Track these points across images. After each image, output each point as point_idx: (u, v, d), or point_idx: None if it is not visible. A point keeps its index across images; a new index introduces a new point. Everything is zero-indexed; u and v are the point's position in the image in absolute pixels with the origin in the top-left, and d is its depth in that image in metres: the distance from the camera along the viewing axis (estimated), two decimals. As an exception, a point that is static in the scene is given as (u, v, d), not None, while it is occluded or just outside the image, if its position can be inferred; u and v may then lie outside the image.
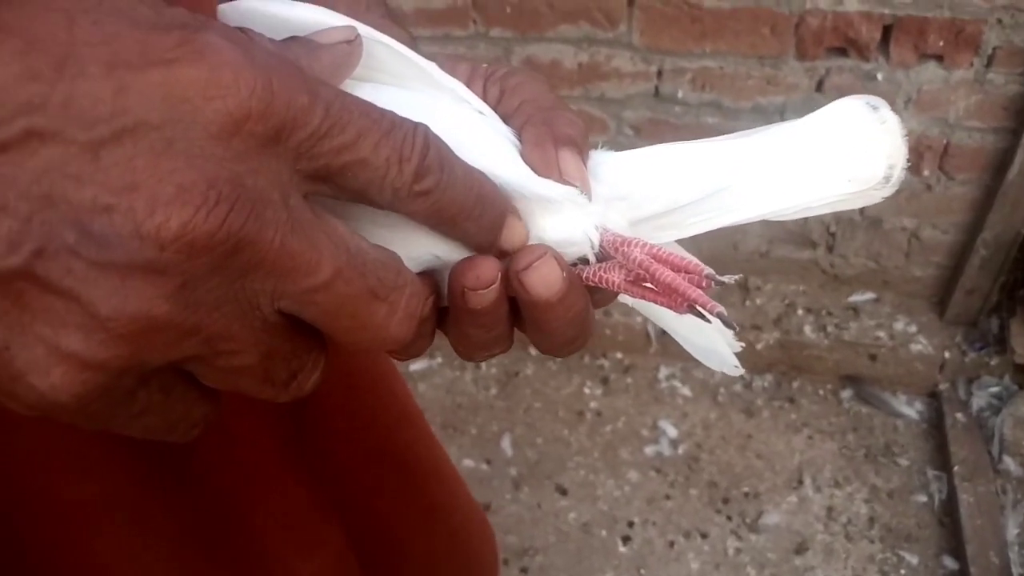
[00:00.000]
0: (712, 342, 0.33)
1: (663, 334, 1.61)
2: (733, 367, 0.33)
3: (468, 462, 1.49)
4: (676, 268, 0.29)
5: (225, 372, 0.22)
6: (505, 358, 1.65)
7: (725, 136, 0.33)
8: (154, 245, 0.19)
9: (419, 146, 0.23)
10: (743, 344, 0.34)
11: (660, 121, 1.44)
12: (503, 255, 0.27)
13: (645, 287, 0.29)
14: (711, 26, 1.32)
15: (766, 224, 1.54)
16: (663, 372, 1.62)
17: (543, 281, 0.27)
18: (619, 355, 1.65)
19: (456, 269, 0.27)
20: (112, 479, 0.38)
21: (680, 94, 1.40)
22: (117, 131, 0.19)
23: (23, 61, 0.18)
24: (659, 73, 1.39)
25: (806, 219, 1.51)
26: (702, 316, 0.28)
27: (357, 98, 0.23)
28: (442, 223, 0.25)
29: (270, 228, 0.20)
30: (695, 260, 0.29)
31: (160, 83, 0.19)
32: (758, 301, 1.61)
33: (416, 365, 1.65)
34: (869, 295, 1.58)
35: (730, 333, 0.33)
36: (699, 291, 0.28)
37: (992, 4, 1.20)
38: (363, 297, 0.22)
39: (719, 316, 0.28)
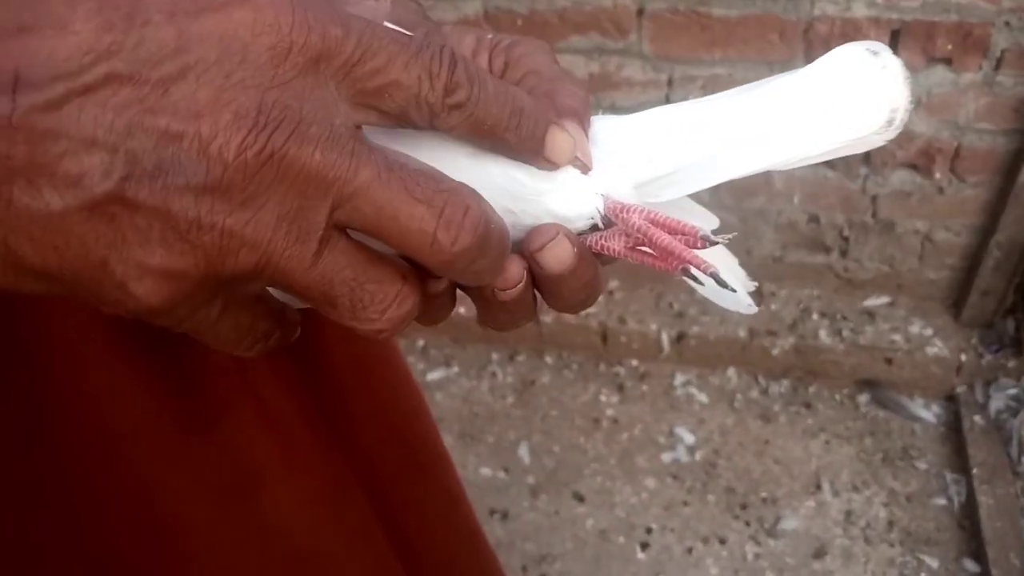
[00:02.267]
0: (728, 295, 0.34)
1: (678, 341, 1.62)
2: (747, 306, 0.34)
3: (486, 470, 1.51)
4: (672, 231, 0.30)
5: (289, 290, 0.25)
6: (522, 367, 1.67)
7: (726, 92, 0.34)
8: (219, 165, 0.22)
9: (446, 62, 0.25)
10: (756, 283, 0.34)
11: (671, 129, 1.46)
12: (554, 166, 0.30)
13: (644, 252, 0.31)
14: (720, 34, 1.34)
15: (780, 229, 1.56)
16: (679, 379, 1.63)
17: (556, 259, 0.30)
18: (634, 362, 1.67)
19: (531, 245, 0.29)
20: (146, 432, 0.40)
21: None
22: (182, 68, 0.22)
23: (99, 16, 0.21)
24: (669, 81, 1.41)
25: (819, 223, 1.52)
26: (695, 279, 0.30)
27: (386, 27, 0.25)
28: (482, 136, 0.27)
29: (311, 143, 0.23)
30: (691, 223, 0.30)
31: (214, 25, 0.22)
32: (773, 307, 1.62)
33: (433, 375, 1.67)
34: (884, 299, 1.59)
35: (743, 274, 0.34)
36: (693, 253, 0.29)
37: (999, 7, 1.22)
38: (402, 198, 0.24)
39: (712, 276, 0.29)
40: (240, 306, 0.26)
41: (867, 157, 1.42)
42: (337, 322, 0.26)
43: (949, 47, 1.28)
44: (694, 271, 0.29)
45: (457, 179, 0.26)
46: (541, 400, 1.62)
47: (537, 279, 0.31)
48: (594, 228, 0.32)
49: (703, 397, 1.61)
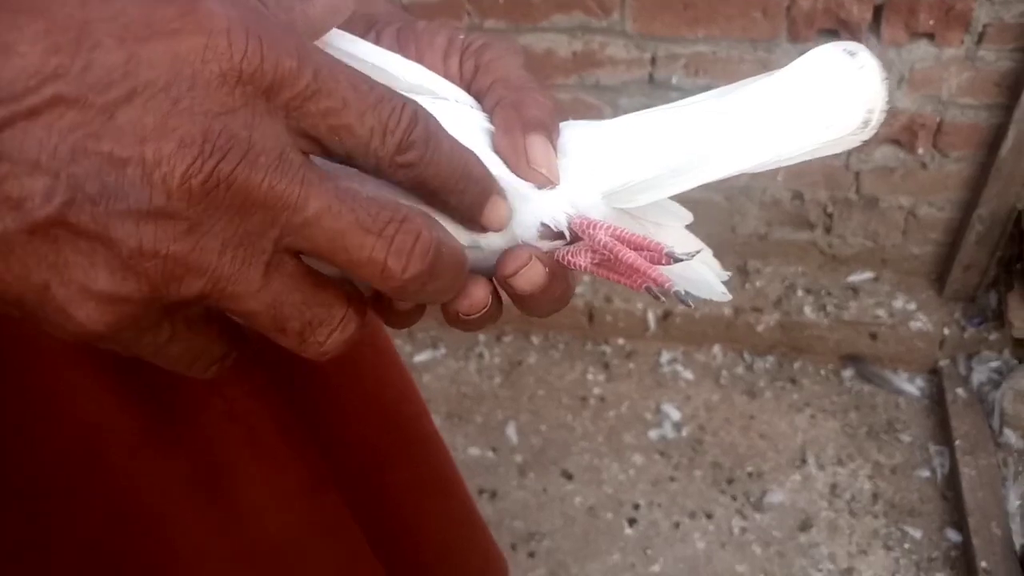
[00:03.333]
0: (700, 274, 0.34)
1: (663, 319, 1.63)
2: (721, 294, 0.34)
3: (474, 450, 1.51)
4: (638, 248, 0.30)
5: (237, 314, 0.25)
6: (508, 347, 1.67)
7: (701, 96, 0.33)
8: (162, 192, 0.22)
9: (405, 120, 0.25)
10: (730, 272, 0.34)
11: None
12: (484, 231, 0.30)
13: (609, 267, 0.31)
14: (703, 11, 1.33)
15: (764, 207, 1.56)
16: (665, 356, 1.64)
17: (529, 282, 0.30)
18: (620, 341, 1.67)
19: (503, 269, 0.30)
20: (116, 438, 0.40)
21: (674, 80, 1.42)
22: (128, 93, 0.21)
23: (47, 39, 0.21)
24: (653, 60, 1.41)
25: (803, 200, 1.52)
26: (657, 296, 0.30)
27: (350, 68, 0.25)
28: (426, 195, 0.27)
29: (260, 172, 0.23)
30: (656, 240, 0.30)
31: (164, 50, 0.22)
32: (758, 283, 1.62)
33: (420, 357, 1.67)
34: (868, 274, 1.60)
35: (716, 264, 0.34)
36: (656, 270, 0.29)
37: (981, -19, 1.22)
38: (353, 230, 0.24)
39: (676, 295, 0.29)
40: (192, 330, 0.26)
41: (850, 133, 1.42)
42: (283, 346, 0.26)
43: (931, 22, 1.28)
44: (655, 290, 0.29)
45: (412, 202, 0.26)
46: (528, 380, 1.63)
47: (509, 295, 0.31)
48: (560, 237, 0.32)
49: (689, 374, 1.61)
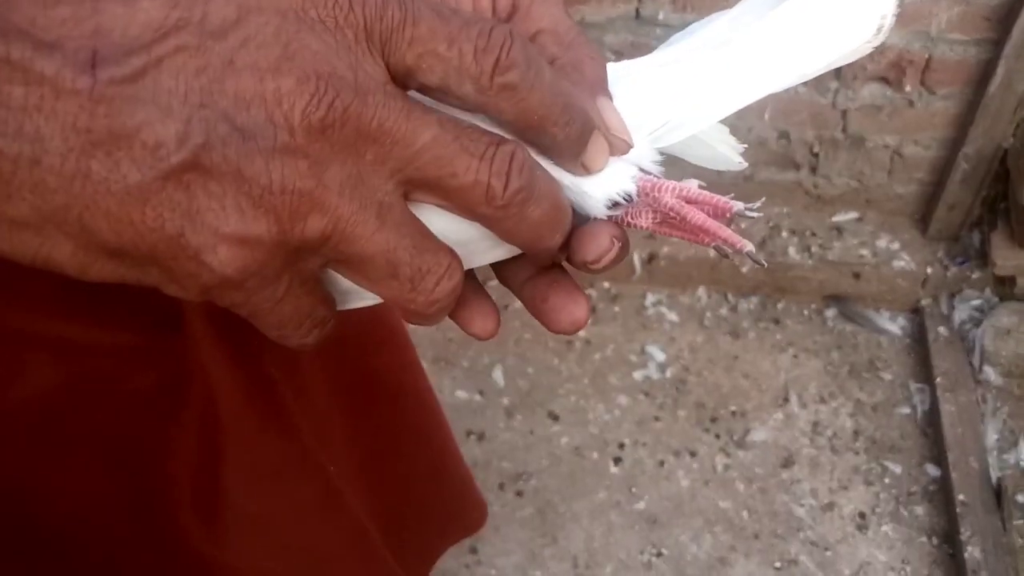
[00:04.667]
0: (718, 151, 0.34)
1: (648, 262, 1.61)
2: (737, 163, 0.34)
3: (461, 393, 1.51)
4: (705, 205, 0.30)
5: (353, 261, 0.25)
6: (495, 292, 1.65)
7: (721, 25, 0.33)
8: (285, 129, 0.23)
9: (498, 38, 0.24)
10: (746, 145, 0.34)
11: (642, 44, 1.42)
12: (585, 172, 0.29)
13: (673, 226, 0.31)
14: (690, -57, 1.29)
15: (750, 147, 1.53)
16: (649, 299, 1.63)
17: (608, 262, 0.30)
18: (606, 284, 1.66)
19: (551, 311, 0.31)
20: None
21: (661, 16, 1.38)
22: (243, 39, 0.22)
23: None
24: (639, -6, 1.36)
25: (789, 140, 1.50)
26: (724, 254, 0.30)
27: (437, 2, 0.25)
28: (527, 127, 0.26)
29: (370, 109, 0.23)
30: (723, 198, 0.30)
31: (269, 1, 0.23)
32: (743, 225, 1.60)
33: (406, 301, 1.65)
34: (852, 214, 1.58)
35: (733, 139, 0.34)
36: (727, 231, 0.30)
37: (975, -90, 1.18)
38: (460, 155, 0.25)
39: (748, 255, 0.30)
40: (303, 287, 0.26)
41: (838, 71, 1.39)
42: (389, 300, 0.26)
43: (922, -46, 1.24)
44: (726, 248, 0.30)
45: None
46: (514, 324, 1.61)
47: (574, 265, 0.31)
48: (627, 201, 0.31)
49: (673, 316, 1.60)
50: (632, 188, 0.30)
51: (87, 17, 0.21)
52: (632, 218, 0.31)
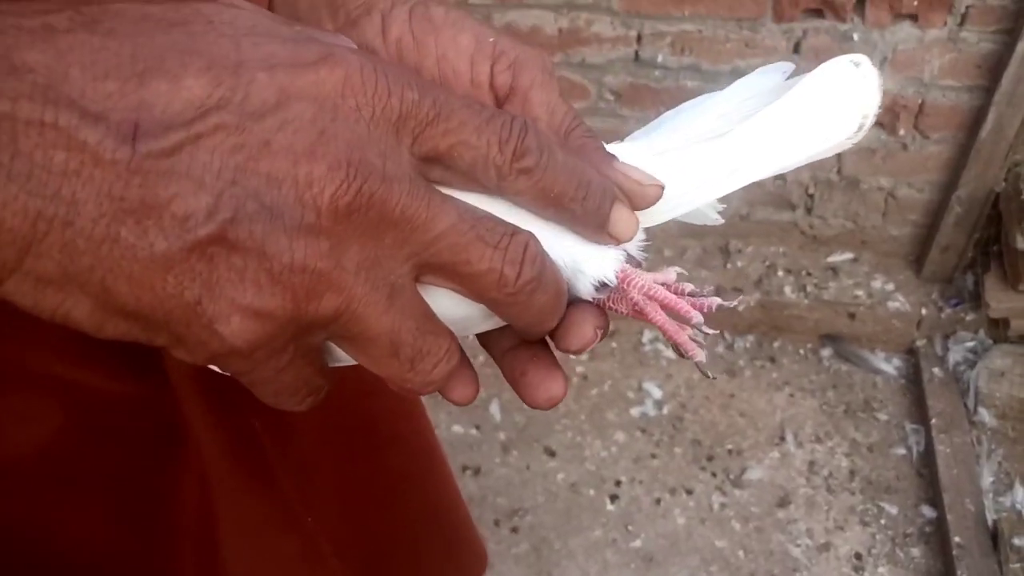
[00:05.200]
0: (699, 209, 0.36)
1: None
2: (713, 219, 0.36)
3: (457, 428, 1.50)
4: (667, 307, 0.32)
5: (358, 339, 0.26)
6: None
7: (715, 121, 0.34)
8: (312, 211, 0.23)
9: (517, 129, 0.27)
10: (725, 204, 0.35)
11: (640, 86, 1.44)
12: (615, 241, 0.31)
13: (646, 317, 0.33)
14: (689, -11, 1.31)
15: (746, 187, 1.54)
16: (647, 336, 1.63)
17: (588, 347, 0.32)
18: (604, 320, 1.66)
19: (529, 385, 0.31)
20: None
21: (660, 58, 1.40)
22: (281, 122, 0.23)
23: (208, 73, 0.23)
24: (639, 38, 1.38)
25: (785, 181, 1.51)
26: (680, 354, 0.32)
27: (462, 95, 0.27)
28: (548, 204, 0.28)
29: (395, 195, 0.24)
30: (685, 304, 0.32)
31: (309, 85, 0.24)
32: (739, 263, 1.61)
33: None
34: (847, 255, 1.59)
35: (714, 200, 0.35)
36: (683, 336, 0.32)
37: (965, -38, 1.20)
38: (475, 243, 0.26)
39: (697, 364, 0.32)
40: (305, 359, 0.27)
41: (833, 114, 1.41)
42: (385, 377, 0.27)
43: (915, 3, 1.26)
44: (681, 350, 0.32)
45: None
46: (512, 358, 1.61)
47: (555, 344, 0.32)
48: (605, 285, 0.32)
49: (670, 353, 1.60)
50: (612, 276, 0.31)
51: (132, 91, 0.22)
52: (613, 303, 0.32)
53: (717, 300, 0.32)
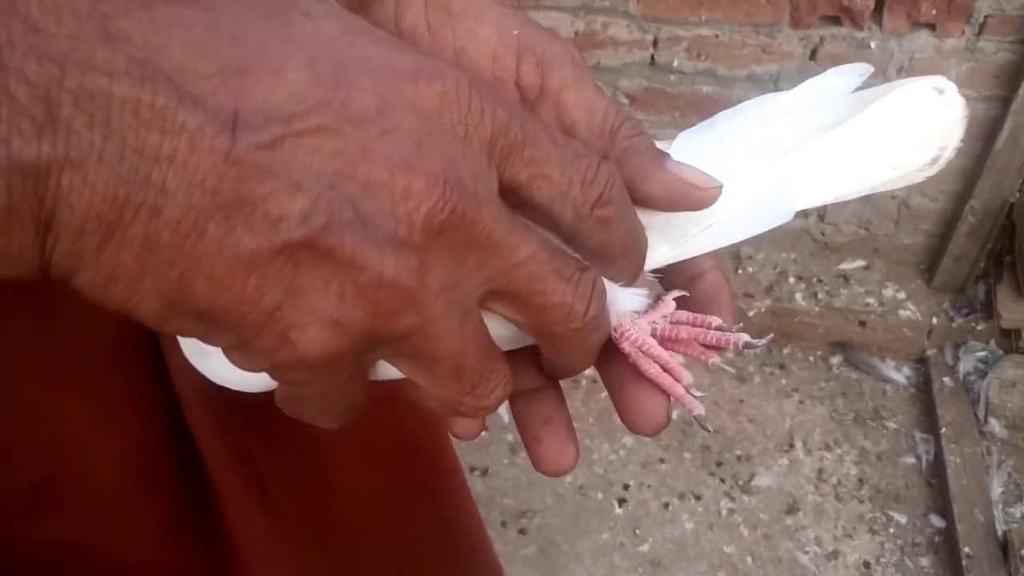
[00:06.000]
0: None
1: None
2: (785, 215, 0.31)
3: (466, 428, 1.48)
4: (658, 361, 0.29)
5: (423, 359, 0.25)
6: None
7: (785, 130, 0.31)
8: (406, 226, 0.22)
9: (604, 174, 0.25)
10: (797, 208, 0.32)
11: (656, 90, 1.42)
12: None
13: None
14: (707, -6, 1.30)
15: (759, 193, 1.53)
16: (657, 340, 1.61)
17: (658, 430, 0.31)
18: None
19: (541, 454, 0.31)
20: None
21: (676, 63, 1.38)
22: (381, 131, 0.22)
23: (311, 69, 0.21)
24: (655, 42, 1.37)
25: (798, 188, 1.50)
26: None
27: (549, 125, 0.26)
28: (606, 257, 0.27)
29: (483, 218, 0.23)
30: (677, 363, 0.30)
31: (409, 96, 0.23)
32: (750, 269, 1.60)
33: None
34: (859, 263, 1.57)
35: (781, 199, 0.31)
36: (680, 389, 0.30)
37: (985, -29, 1.19)
38: (552, 276, 0.25)
39: (696, 418, 0.30)
40: (359, 374, 0.25)
41: (848, 122, 1.39)
42: (440, 398, 0.26)
43: (934, 12, 1.25)
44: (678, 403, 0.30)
45: None
46: (521, 359, 1.60)
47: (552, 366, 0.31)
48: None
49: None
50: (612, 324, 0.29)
51: (233, 77, 0.20)
52: (619, 342, 0.30)
53: (745, 337, 0.29)
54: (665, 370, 0.29)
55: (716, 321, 0.30)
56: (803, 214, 1.53)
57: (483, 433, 1.45)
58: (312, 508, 0.51)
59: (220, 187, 0.20)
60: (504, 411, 1.44)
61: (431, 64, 0.23)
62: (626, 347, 0.29)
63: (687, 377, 0.30)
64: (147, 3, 0.20)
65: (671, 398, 0.30)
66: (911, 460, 1.42)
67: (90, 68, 0.19)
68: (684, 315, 0.30)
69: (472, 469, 1.42)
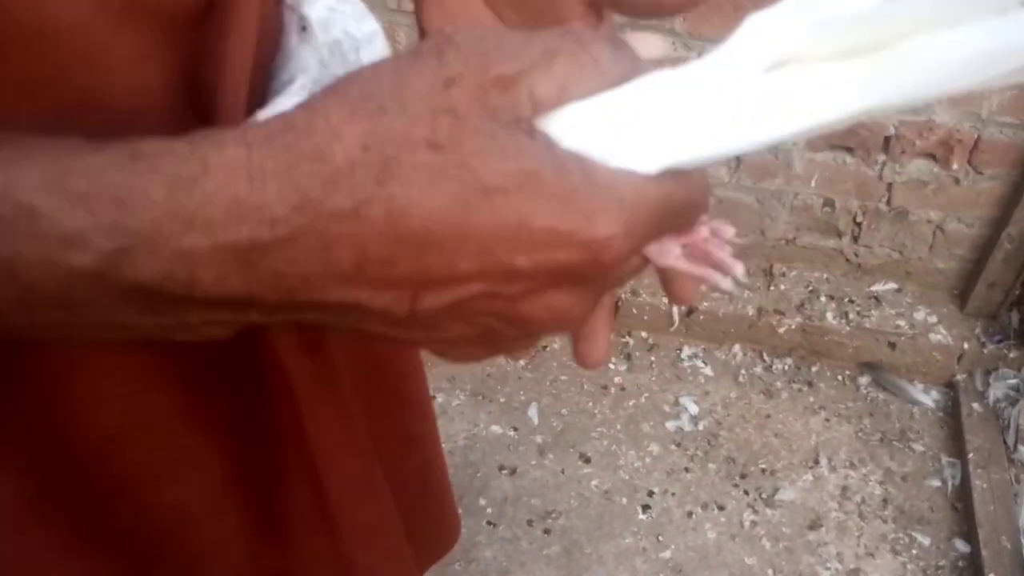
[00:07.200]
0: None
1: (687, 315, 1.59)
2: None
3: (496, 428, 1.49)
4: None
5: (554, 310, 0.27)
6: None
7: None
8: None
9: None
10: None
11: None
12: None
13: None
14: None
15: (795, 211, 1.52)
16: (686, 352, 1.61)
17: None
18: (644, 334, 1.64)
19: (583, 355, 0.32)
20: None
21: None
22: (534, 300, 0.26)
23: (479, 260, 0.24)
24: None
25: (834, 208, 1.48)
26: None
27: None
28: None
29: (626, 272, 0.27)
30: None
31: (573, 277, 0.26)
32: (782, 286, 1.58)
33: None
34: (891, 285, 1.56)
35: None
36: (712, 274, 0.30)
37: (1032, 0, 1.17)
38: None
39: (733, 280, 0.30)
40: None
41: (886, 144, 1.38)
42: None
43: (978, 38, 1.23)
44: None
45: None
46: (552, 364, 1.60)
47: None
48: None
49: (708, 370, 1.58)
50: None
51: (414, 262, 0.23)
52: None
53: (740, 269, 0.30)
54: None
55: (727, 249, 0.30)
56: (837, 234, 1.51)
57: (512, 433, 1.45)
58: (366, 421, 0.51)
59: (399, 334, 0.26)
60: (535, 413, 1.42)
61: (604, 238, 0.24)
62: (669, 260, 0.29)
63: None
64: (354, 219, 0.23)
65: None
66: (937, 483, 1.39)
67: (314, 285, 0.24)
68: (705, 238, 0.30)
69: (501, 468, 1.42)
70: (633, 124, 0.25)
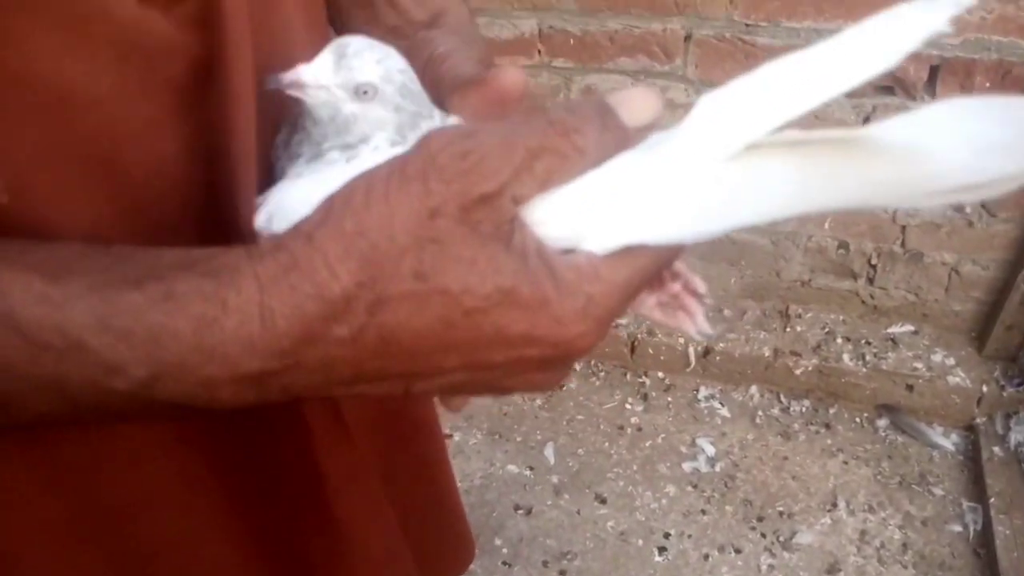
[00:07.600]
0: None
1: (704, 356, 1.59)
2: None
3: (512, 467, 1.49)
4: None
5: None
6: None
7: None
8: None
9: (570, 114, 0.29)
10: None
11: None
12: None
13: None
14: (764, 62, 1.32)
15: (809, 253, 1.52)
16: (703, 392, 1.60)
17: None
18: (660, 374, 1.64)
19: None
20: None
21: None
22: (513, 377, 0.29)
23: (465, 371, 0.28)
24: (711, 105, 1.39)
25: (848, 251, 1.48)
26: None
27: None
28: None
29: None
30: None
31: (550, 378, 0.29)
32: (798, 328, 1.58)
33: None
34: (908, 327, 1.55)
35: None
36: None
37: (1040, 47, 1.18)
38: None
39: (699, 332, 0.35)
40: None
41: (899, 188, 1.39)
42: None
43: (988, 84, 1.24)
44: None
45: None
46: (568, 404, 1.60)
47: None
48: None
49: (725, 411, 1.57)
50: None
51: (404, 365, 0.27)
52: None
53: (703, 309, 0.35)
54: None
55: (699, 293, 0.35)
56: (853, 276, 1.51)
57: (528, 472, 1.45)
58: (374, 454, 0.53)
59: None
60: (551, 452, 1.42)
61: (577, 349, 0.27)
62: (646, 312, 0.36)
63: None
64: (356, 378, 0.27)
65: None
66: (958, 528, 1.36)
67: (319, 391, 0.27)
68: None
69: (516, 508, 1.42)
70: (606, 206, 0.27)
